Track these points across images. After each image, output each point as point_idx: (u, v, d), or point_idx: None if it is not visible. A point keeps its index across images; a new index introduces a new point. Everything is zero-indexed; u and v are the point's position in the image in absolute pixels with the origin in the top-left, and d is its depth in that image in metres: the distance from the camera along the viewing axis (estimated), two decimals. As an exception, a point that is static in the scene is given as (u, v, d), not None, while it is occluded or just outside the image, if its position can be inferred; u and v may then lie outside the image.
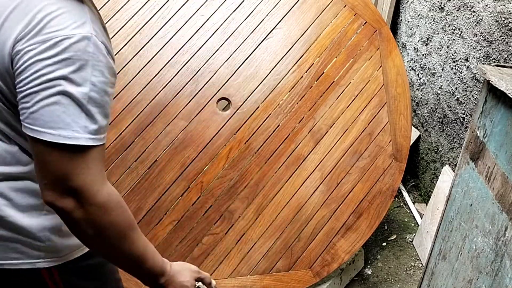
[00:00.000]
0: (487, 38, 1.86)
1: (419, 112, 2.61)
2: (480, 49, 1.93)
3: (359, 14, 1.95)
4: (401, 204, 2.59)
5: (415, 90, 2.64)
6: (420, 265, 2.13)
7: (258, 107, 1.81)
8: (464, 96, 2.08)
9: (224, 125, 1.77)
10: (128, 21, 1.78)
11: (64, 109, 0.69)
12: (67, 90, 0.69)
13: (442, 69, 2.29)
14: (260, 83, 1.82)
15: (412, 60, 2.67)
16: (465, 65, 2.07)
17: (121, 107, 1.71)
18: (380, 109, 1.92)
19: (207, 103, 1.77)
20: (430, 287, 1.58)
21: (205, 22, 1.83)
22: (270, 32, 1.87)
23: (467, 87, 2.05)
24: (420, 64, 2.55)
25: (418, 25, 2.56)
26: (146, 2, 1.80)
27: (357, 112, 1.90)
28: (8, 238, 0.84)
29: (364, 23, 1.95)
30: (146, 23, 1.79)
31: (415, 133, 2.62)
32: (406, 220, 2.46)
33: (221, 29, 1.83)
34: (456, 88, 2.16)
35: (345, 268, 1.98)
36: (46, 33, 0.70)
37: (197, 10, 1.83)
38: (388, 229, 2.37)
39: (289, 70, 1.85)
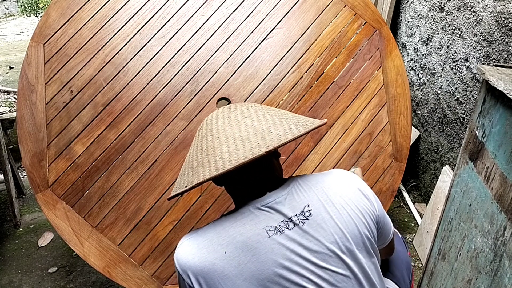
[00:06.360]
0: (487, 38, 1.86)
1: (419, 112, 2.61)
2: (480, 49, 1.93)
3: (359, 14, 1.95)
4: (401, 204, 2.59)
5: (415, 90, 2.64)
6: (420, 265, 2.13)
7: (258, 107, 1.81)
8: (464, 96, 2.08)
9: (224, 125, 1.77)
10: (128, 21, 1.78)
11: None
12: None
13: (442, 69, 2.29)
14: (260, 83, 1.82)
15: (412, 60, 2.67)
16: (465, 65, 2.07)
17: (121, 107, 1.72)
18: (380, 109, 1.92)
19: (207, 103, 1.77)
20: (429, 287, 1.58)
21: (205, 22, 1.83)
22: (270, 32, 1.87)
23: (467, 87, 2.05)
24: (420, 64, 2.55)
25: (418, 25, 2.56)
26: (146, 2, 1.81)
27: (357, 112, 1.90)
28: None
29: (364, 23, 1.96)
30: (146, 23, 1.79)
31: (415, 133, 2.62)
32: (406, 220, 2.46)
33: (221, 29, 1.84)
34: (456, 88, 2.16)
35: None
36: None
37: (197, 10, 1.84)
38: (388, 229, 2.37)
39: (289, 70, 1.86)
